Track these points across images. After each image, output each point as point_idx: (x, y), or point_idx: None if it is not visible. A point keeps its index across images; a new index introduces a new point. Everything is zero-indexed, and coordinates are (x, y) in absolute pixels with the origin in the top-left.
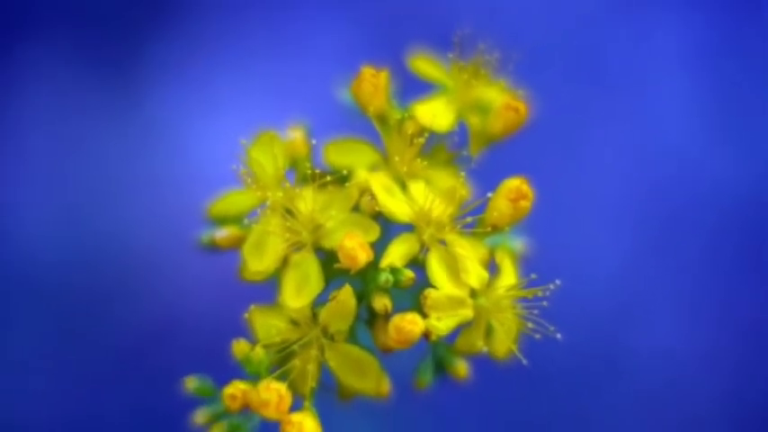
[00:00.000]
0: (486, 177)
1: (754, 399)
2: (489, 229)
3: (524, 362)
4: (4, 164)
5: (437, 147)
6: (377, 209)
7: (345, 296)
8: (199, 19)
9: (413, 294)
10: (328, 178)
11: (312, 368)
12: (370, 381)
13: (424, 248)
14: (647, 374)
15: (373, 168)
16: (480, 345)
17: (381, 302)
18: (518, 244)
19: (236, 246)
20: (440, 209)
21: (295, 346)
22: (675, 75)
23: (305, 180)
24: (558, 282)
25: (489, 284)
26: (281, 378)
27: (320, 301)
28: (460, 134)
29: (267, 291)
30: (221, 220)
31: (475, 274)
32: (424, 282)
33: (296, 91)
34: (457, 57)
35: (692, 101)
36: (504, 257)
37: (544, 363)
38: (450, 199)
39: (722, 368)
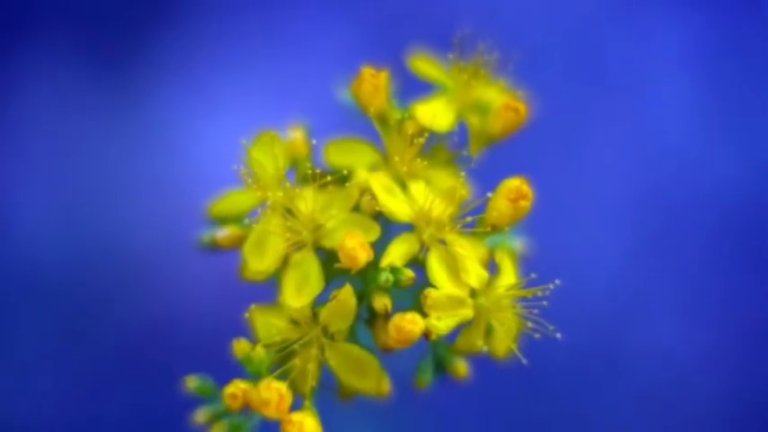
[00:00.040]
0: (486, 177)
1: (754, 399)
2: (489, 228)
3: (524, 361)
4: (4, 164)
5: (437, 147)
6: (377, 209)
7: (346, 296)
8: (199, 19)
9: (413, 294)
10: (329, 178)
11: (312, 367)
12: (371, 380)
13: (424, 248)
14: (647, 374)
15: (373, 168)
16: (480, 344)
17: (381, 302)
18: (518, 244)
19: (236, 245)
20: (440, 209)
21: (295, 346)
22: (675, 75)
23: (305, 180)
24: (557, 281)
25: (489, 284)
26: (282, 377)
27: (320, 300)
28: (460, 134)
29: (267, 290)
30: (222, 220)
31: (475, 274)
32: (424, 281)
33: (296, 91)
34: (457, 57)
35: (692, 101)
36: (504, 257)
37: (544, 362)
38: (450, 199)
39: (722, 368)
